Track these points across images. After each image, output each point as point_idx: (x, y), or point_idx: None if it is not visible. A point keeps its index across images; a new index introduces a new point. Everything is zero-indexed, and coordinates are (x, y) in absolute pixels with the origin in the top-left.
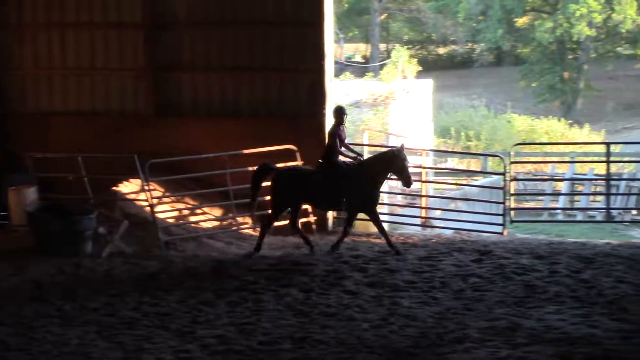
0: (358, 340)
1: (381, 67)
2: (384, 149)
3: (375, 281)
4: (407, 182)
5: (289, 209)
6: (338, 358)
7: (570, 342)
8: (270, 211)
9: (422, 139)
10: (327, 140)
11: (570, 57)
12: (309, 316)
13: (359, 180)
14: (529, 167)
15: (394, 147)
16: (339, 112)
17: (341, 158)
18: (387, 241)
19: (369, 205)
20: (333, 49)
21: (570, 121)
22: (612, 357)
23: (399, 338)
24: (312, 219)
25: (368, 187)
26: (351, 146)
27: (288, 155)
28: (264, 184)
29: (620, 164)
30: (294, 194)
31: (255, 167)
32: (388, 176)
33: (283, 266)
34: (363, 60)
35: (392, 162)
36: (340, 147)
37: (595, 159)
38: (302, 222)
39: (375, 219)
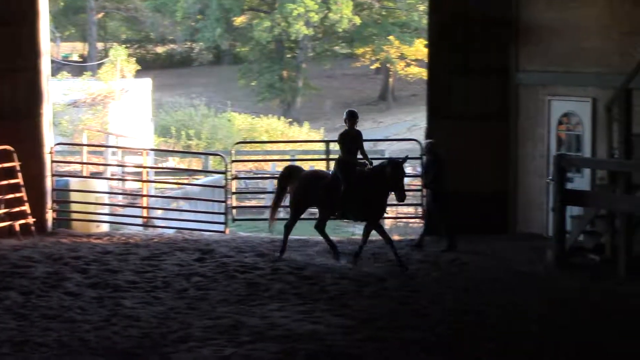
0: (80, 342)
1: (99, 66)
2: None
3: (96, 282)
4: (400, 197)
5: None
6: None
7: (293, 338)
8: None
9: (142, 138)
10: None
11: (288, 56)
12: (29, 319)
13: (358, 187)
14: (250, 165)
15: (395, 158)
16: (349, 116)
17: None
18: (394, 255)
19: (367, 214)
20: (49, 47)
21: (290, 119)
22: (335, 352)
23: (122, 339)
24: (30, 220)
25: (367, 196)
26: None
27: (5, 157)
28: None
29: None
30: (310, 197)
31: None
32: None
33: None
34: (80, 59)
35: (389, 176)
36: (353, 152)
37: (316, 157)
38: (19, 224)
39: (378, 230)
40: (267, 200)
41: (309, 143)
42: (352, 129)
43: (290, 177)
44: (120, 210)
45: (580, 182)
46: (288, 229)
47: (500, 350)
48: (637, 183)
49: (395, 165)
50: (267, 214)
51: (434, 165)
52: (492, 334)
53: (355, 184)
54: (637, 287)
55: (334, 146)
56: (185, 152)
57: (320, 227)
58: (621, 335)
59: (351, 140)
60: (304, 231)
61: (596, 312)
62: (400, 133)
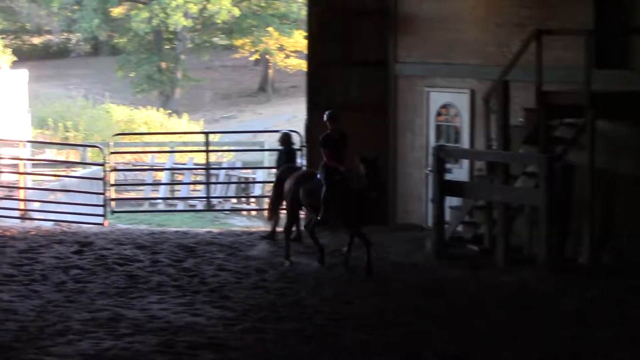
0: None
1: None
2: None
3: None
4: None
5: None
6: None
7: (173, 331)
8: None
9: (19, 130)
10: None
11: (167, 47)
12: None
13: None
14: (129, 157)
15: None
16: (329, 118)
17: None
18: (367, 259)
19: (340, 216)
20: None
21: (169, 111)
22: (215, 344)
23: None
24: None
25: (345, 200)
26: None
27: None
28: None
29: (220, 153)
30: (297, 198)
31: None
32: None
33: None
34: None
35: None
36: (337, 156)
37: (195, 148)
38: None
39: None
40: (146, 191)
41: (188, 135)
42: (334, 131)
43: (286, 178)
44: None
45: (459, 173)
46: (286, 232)
47: (372, 341)
48: (514, 174)
49: (369, 162)
50: (146, 206)
51: (288, 156)
52: (368, 324)
53: (336, 188)
54: (514, 277)
55: (213, 137)
56: (63, 144)
57: (307, 228)
58: (493, 326)
59: (334, 143)
60: (181, 222)
61: (472, 302)
62: (280, 125)
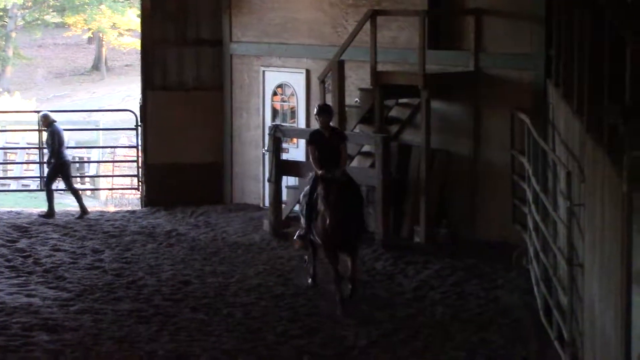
0: None
1: None
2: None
3: None
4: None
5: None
6: None
7: (8, 312)
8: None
9: None
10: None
11: None
12: None
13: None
14: None
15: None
16: (319, 112)
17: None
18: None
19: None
20: None
21: (0, 89)
22: (50, 325)
23: None
24: None
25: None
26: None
27: None
28: None
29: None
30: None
31: None
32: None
33: None
34: None
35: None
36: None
37: (28, 127)
38: None
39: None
40: None
41: (20, 113)
42: (324, 126)
43: None
44: None
45: (296, 152)
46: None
47: (211, 321)
48: (351, 154)
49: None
50: None
51: (53, 138)
52: (207, 304)
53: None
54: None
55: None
56: None
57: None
58: (334, 304)
59: (323, 140)
60: (14, 203)
61: (313, 280)
62: (114, 104)
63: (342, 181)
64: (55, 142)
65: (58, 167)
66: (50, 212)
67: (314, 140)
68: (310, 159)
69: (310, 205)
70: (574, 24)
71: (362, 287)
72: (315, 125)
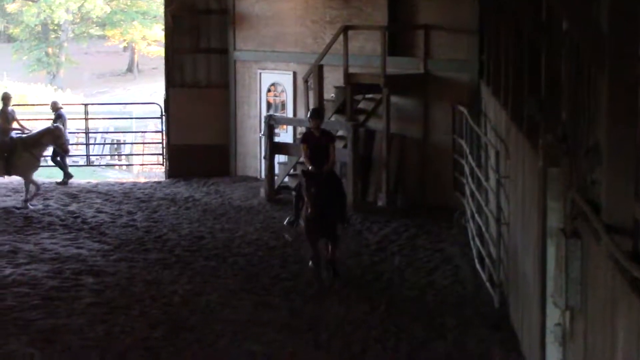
0: None
1: None
2: None
3: None
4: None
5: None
6: None
7: (61, 260)
8: None
9: None
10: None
11: (53, 36)
12: None
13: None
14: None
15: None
16: (312, 115)
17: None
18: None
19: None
20: None
21: (55, 87)
22: (95, 270)
23: None
24: None
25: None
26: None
27: None
28: None
29: (97, 120)
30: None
31: None
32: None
33: None
34: None
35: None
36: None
37: (77, 116)
38: None
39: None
40: None
41: (71, 105)
42: (316, 128)
43: None
44: None
45: (285, 136)
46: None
47: (220, 267)
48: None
49: (309, 175)
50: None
51: (59, 120)
52: (217, 254)
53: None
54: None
55: (91, 108)
56: None
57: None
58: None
59: (314, 140)
60: None
61: (299, 236)
62: (144, 98)
63: (325, 177)
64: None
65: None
66: (67, 176)
67: (305, 139)
68: (302, 156)
69: (298, 196)
70: (501, 37)
71: (340, 270)
72: (305, 123)
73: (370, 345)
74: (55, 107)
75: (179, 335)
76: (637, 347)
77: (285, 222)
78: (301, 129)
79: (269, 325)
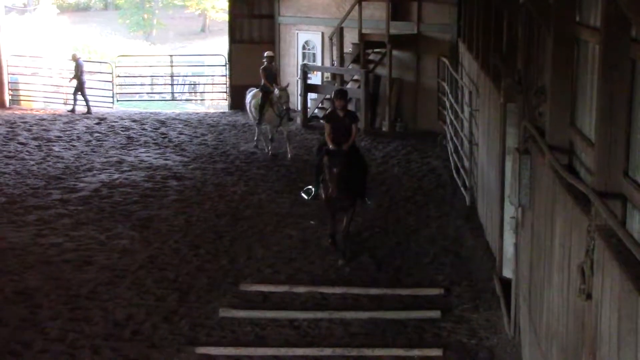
0: (28, 172)
1: None
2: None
3: (37, 136)
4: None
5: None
6: (16, 181)
7: (153, 168)
8: None
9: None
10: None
11: (148, 5)
12: None
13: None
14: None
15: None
16: (336, 95)
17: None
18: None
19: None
20: None
21: (149, 43)
22: (177, 176)
23: (53, 169)
24: None
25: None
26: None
27: None
28: None
29: (179, 67)
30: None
31: None
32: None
33: None
34: None
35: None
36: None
37: (165, 64)
38: None
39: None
40: (142, 87)
41: (161, 56)
42: (341, 108)
43: None
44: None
45: (315, 79)
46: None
47: (268, 175)
48: (347, 80)
49: (331, 153)
50: (137, 97)
51: (77, 68)
52: (266, 165)
53: (323, 165)
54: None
55: (175, 59)
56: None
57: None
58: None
59: (337, 119)
60: (157, 107)
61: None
62: (214, 51)
63: (347, 155)
64: (77, 70)
65: (79, 84)
66: (88, 109)
67: (329, 118)
68: (325, 134)
69: (318, 167)
70: (474, 7)
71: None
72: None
73: (376, 231)
74: (74, 58)
75: (237, 223)
76: (569, 232)
77: (302, 192)
78: (327, 74)
79: (304, 216)
